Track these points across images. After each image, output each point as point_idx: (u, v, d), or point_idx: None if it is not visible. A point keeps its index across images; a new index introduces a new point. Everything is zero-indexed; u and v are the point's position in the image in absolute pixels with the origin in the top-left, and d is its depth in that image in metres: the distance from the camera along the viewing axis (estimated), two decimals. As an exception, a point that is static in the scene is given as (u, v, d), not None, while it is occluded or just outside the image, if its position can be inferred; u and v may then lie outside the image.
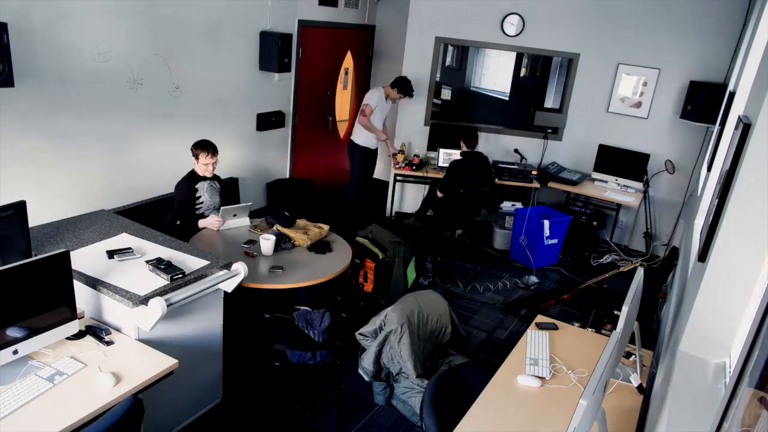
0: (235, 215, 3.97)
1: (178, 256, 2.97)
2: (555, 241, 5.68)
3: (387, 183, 6.62)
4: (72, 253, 2.41)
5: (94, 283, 2.64)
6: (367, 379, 3.14)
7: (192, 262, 2.93)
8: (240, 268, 2.96)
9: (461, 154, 5.49)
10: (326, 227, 4.06)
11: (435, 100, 7.52)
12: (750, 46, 3.85)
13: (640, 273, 2.42)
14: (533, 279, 5.35)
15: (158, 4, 4.38)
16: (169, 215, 4.19)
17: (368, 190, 6.57)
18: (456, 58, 7.68)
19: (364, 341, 3.16)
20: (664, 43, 5.75)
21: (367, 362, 3.10)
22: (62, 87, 3.87)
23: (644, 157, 5.91)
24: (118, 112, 4.30)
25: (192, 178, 3.95)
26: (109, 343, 2.45)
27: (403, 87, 5.86)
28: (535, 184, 5.97)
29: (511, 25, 6.11)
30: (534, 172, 6.04)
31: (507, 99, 7.58)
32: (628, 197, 5.84)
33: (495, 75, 7.81)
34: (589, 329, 3.09)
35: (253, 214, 4.12)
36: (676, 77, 5.77)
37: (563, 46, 6.12)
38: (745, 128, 2.01)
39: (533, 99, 6.96)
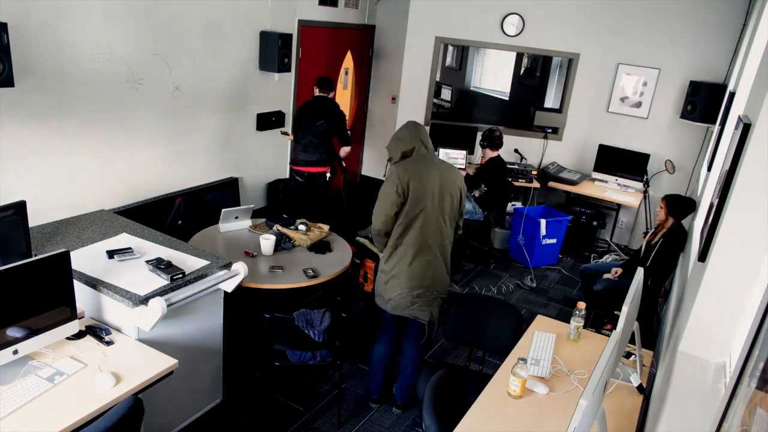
0: (236, 217, 3.96)
1: (178, 256, 2.97)
2: (553, 240, 5.68)
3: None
4: (72, 253, 2.41)
5: (94, 283, 2.64)
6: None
7: (192, 262, 2.93)
8: (240, 268, 2.96)
9: (489, 161, 5.27)
10: (326, 227, 4.06)
11: (441, 101, 7.53)
12: (750, 46, 3.86)
13: (640, 273, 2.41)
14: (532, 279, 5.35)
15: (158, 4, 4.38)
16: (170, 215, 4.19)
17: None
18: (456, 58, 7.68)
19: None
20: (664, 43, 5.75)
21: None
22: (62, 87, 3.87)
23: (644, 157, 5.91)
24: (118, 112, 4.30)
25: None
26: (109, 343, 2.45)
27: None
28: (535, 184, 5.97)
29: (511, 25, 6.11)
30: (534, 172, 6.03)
31: (507, 99, 7.59)
32: (628, 197, 5.84)
33: (495, 75, 7.81)
34: (589, 329, 3.08)
35: (252, 214, 4.11)
36: (676, 77, 5.77)
37: (563, 46, 6.12)
38: (745, 128, 2.01)
39: (533, 99, 6.97)
